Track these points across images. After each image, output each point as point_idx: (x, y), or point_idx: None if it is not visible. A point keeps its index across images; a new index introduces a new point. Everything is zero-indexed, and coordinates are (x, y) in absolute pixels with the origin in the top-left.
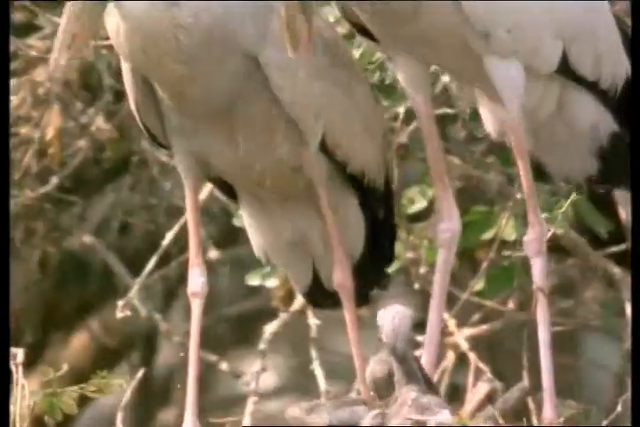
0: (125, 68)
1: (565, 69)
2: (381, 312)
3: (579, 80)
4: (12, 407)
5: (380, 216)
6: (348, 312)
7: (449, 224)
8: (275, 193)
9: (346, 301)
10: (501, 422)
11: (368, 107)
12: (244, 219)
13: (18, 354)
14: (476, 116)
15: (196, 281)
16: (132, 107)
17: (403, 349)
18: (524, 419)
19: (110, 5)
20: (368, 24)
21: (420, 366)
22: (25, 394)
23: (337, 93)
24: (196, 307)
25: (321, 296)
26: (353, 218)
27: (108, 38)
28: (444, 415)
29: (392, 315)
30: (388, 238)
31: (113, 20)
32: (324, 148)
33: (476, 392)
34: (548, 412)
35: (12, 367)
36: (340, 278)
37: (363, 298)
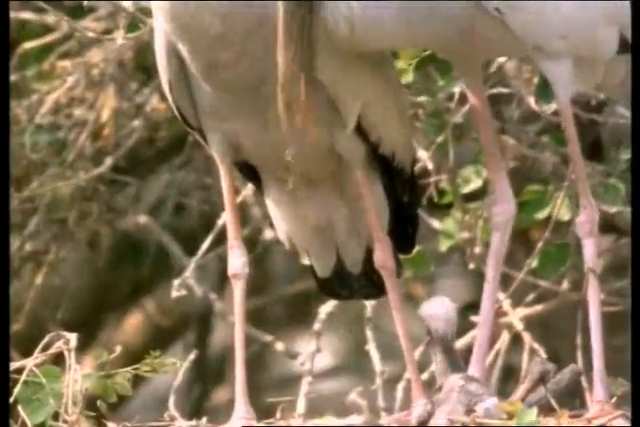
0: (159, 46)
1: (626, 49)
2: (426, 304)
3: None
4: (64, 391)
5: (405, 201)
6: (391, 291)
7: (503, 207)
8: (302, 177)
9: (388, 281)
10: (553, 402)
11: (398, 88)
12: (268, 205)
13: (71, 339)
14: (542, 91)
15: (236, 262)
16: (165, 87)
17: (450, 339)
18: (577, 399)
19: None
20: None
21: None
22: (77, 378)
23: (373, 73)
24: (238, 288)
25: (338, 285)
26: (378, 202)
27: None
28: (492, 402)
29: (438, 306)
30: (412, 225)
31: None
32: (358, 128)
33: (529, 373)
34: (599, 392)
35: (65, 352)
36: (382, 259)
37: (379, 288)
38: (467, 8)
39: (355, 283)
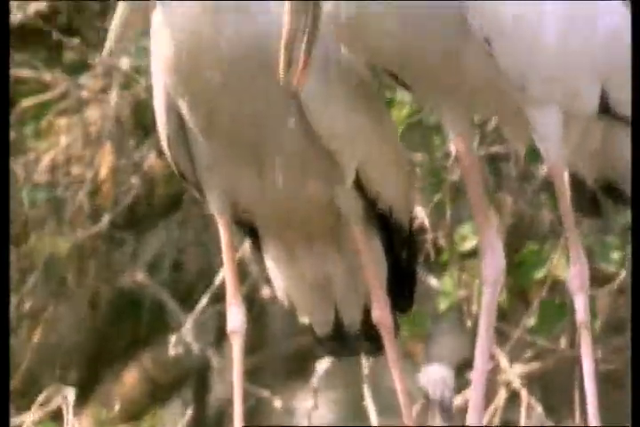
0: (158, 102)
1: (607, 110)
2: (424, 370)
3: (622, 119)
4: None
5: (403, 261)
6: (389, 348)
7: (493, 262)
8: (299, 233)
9: (386, 338)
10: None
11: (396, 140)
12: (267, 262)
13: (68, 394)
14: (532, 154)
15: (235, 319)
16: (164, 144)
17: (449, 403)
18: None
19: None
20: (400, 74)
21: None
22: None
23: (370, 126)
24: (237, 345)
25: (339, 343)
26: (376, 259)
27: None
28: None
29: (436, 371)
30: (408, 285)
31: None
32: (355, 183)
33: None
34: None
35: (63, 407)
36: (379, 315)
37: (378, 346)
38: (457, 31)
39: (353, 341)
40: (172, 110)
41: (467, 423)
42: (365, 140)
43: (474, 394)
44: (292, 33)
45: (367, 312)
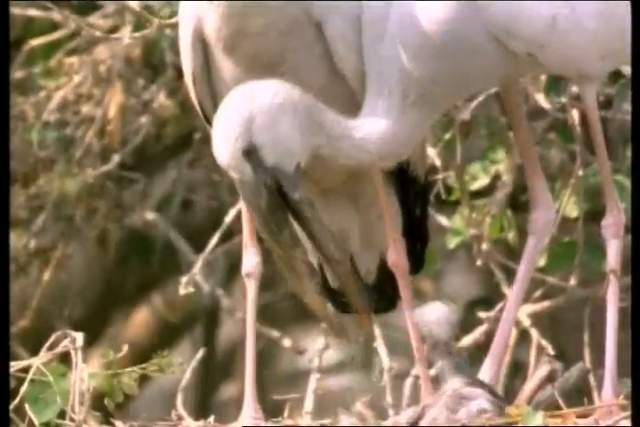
0: (184, 37)
1: None
2: (422, 310)
3: None
4: (70, 390)
5: (417, 214)
6: (403, 290)
7: (543, 213)
8: (316, 186)
9: (400, 278)
10: (561, 401)
11: None
12: None
13: (77, 338)
14: (552, 83)
15: (251, 262)
16: (189, 79)
17: (449, 344)
18: (585, 397)
19: None
20: None
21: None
22: (84, 377)
23: None
24: (251, 288)
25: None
26: (393, 212)
27: (171, 17)
28: (476, 405)
29: (435, 311)
30: (421, 241)
31: None
32: None
33: (536, 373)
34: (608, 392)
35: (72, 351)
36: (395, 258)
37: (390, 302)
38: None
39: (365, 295)
40: (198, 44)
41: (485, 363)
42: None
43: (498, 337)
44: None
45: (383, 265)
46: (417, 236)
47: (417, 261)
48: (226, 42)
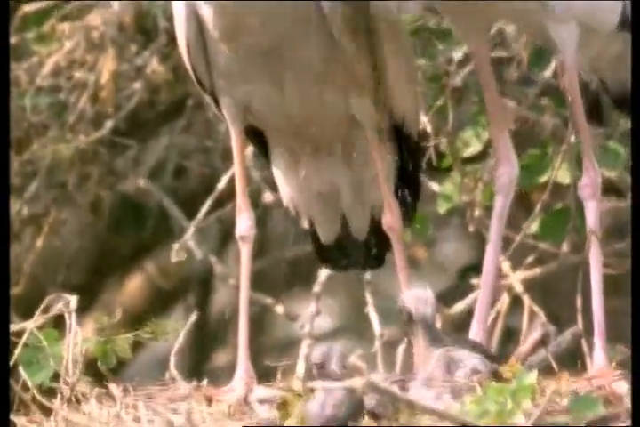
0: (178, 9)
1: (625, 26)
2: (407, 292)
3: None
4: (64, 354)
5: (409, 169)
6: (397, 254)
7: (506, 169)
8: (310, 144)
9: (396, 242)
10: (554, 364)
11: (411, 52)
12: (274, 170)
13: (71, 301)
14: (535, 59)
15: (244, 225)
16: (182, 47)
17: (431, 318)
18: (579, 361)
19: None
20: None
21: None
22: (77, 341)
23: (389, 40)
24: (245, 251)
25: (337, 254)
26: (387, 170)
27: None
28: (474, 363)
29: (419, 291)
30: (413, 194)
31: None
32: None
33: (529, 336)
34: (599, 358)
35: (65, 314)
36: (390, 221)
37: (378, 258)
38: None
39: (354, 252)
40: (192, 16)
41: (472, 326)
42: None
43: (481, 298)
44: None
45: (375, 222)
46: (408, 186)
47: (408, 213)
48: (221, 34)
